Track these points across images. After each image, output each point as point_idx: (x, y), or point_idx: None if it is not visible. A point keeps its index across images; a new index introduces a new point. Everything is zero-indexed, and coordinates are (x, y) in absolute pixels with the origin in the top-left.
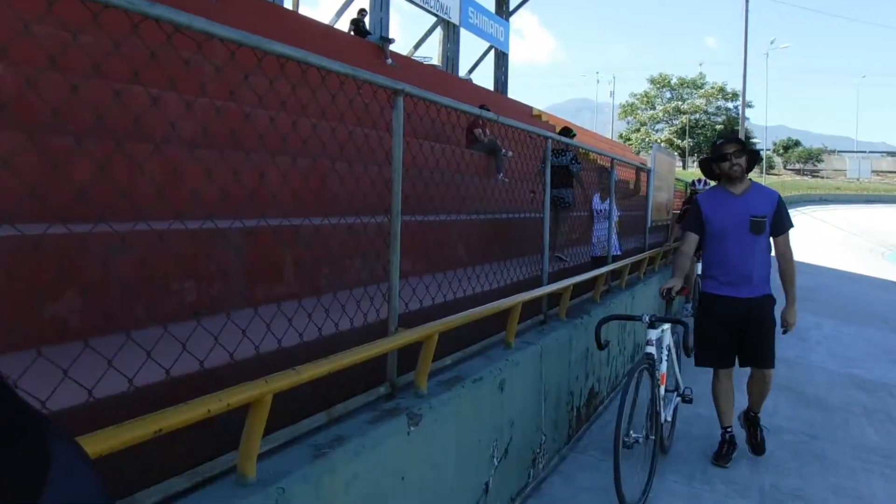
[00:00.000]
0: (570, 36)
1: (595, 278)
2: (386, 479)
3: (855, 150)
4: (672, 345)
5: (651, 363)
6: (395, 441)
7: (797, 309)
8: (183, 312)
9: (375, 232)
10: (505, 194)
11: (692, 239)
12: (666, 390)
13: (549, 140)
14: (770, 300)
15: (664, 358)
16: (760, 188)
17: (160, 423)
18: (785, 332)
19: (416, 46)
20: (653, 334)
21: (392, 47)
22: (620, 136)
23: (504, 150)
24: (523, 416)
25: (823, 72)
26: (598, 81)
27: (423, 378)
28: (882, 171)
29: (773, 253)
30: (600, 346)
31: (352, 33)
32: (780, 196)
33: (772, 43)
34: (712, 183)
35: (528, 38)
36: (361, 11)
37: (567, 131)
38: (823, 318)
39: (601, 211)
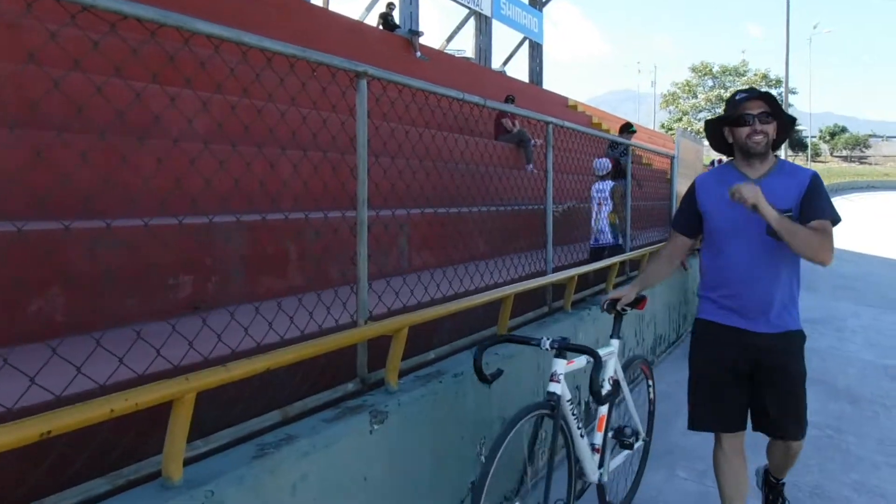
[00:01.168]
0: (612, 27)
1: (608, 268)
2: (344, 480)
3: None
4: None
5: (554, 407)
6: (353, 440)
7: (776, 217)
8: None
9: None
10: (534, 185)
11: (677, 241)
12: (615, 436)
13: (550, 125)
14: (798, 339)
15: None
16: (789, 168)
17: (51, 423)
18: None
19: (449, 39)
20: (559, 366)
21: (426, 41)
22: (662, 126)
23: (534, 140)
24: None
25: (870, 55)
26: (639, 72)
27: (392, 374)
28: None
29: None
30: (483, 379)
31: (380, 27)
32: (814, 175)
33: (815, 28)
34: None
35: (569, 30)
36: (390, 5)
37: (627, 126)
38: (863, 307)
39: (596, 198)
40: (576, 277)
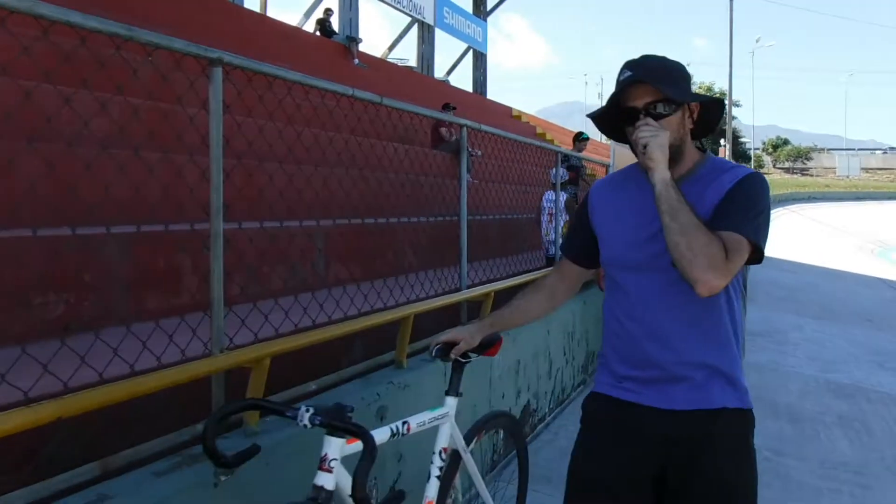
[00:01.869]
0: (561, 39)
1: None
2: None
3: (845, 147)
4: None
5: None
6: (191, 498)
7: (664, 179)
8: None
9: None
10: (472, 195)
11: (565, 269)
12: None
13: (464, 128)
14: (739, 424)
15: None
16: (721, 167)
17: None
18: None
19: (391, 48)
20: (332, 448)
21: (370, 49)
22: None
23: (472, 150)
24: (415, 449)
25: (812, 70)
26: (586, 83)
27: (253, 413)
28: (872, 169)
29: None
30: (222, 464)
31: (317, 34)
32: (750, 175)
33: (757, 41)
34: None
35: (518, 41)
36: (327, 11)
37: (580, 135)
38: (805, 319)
39: (546, 207)
40: (492, 294)
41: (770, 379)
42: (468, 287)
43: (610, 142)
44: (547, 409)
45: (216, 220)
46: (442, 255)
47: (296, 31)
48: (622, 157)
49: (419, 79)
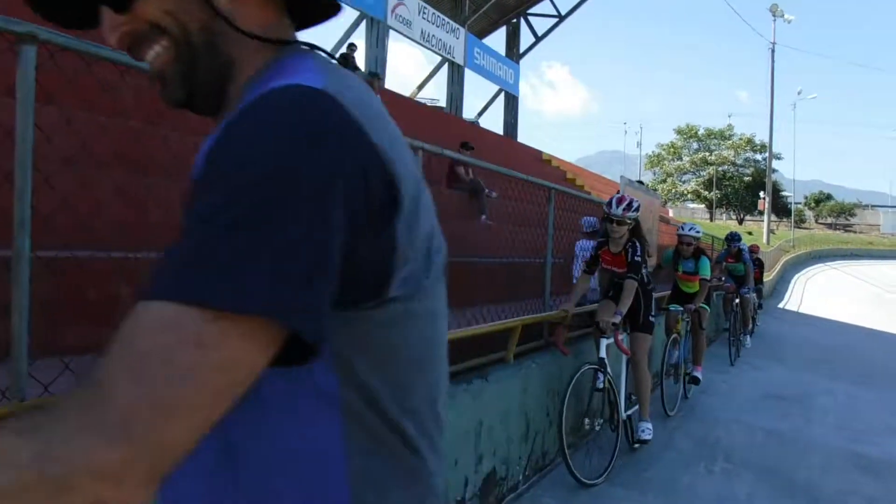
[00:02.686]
0: (602, 88)
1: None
2: None
3: (890, 205)
4: None
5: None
6: None
7: None
8: None
9: None
10: (488, 236)
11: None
12: None
13: (420, 151)
14: None
15: None
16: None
17: None
18: None
19: (420, 87)
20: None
21: (399, 89)
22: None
23: (489, 191)
24: None
25: (856, 124)
26: (625, 133)
27: None
28: None
29: None
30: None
31: None
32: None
33: (798, 93)
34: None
35: (559, 89)
36: (351, 46)
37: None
38: (838, 383)
39: (580, 255)
40: None
41: (791, 450)
42: None
43: (620, 179)
44: (521, 477)
45: (21, 237)
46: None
47: None
48: (631, 195)
49: (445, 118)
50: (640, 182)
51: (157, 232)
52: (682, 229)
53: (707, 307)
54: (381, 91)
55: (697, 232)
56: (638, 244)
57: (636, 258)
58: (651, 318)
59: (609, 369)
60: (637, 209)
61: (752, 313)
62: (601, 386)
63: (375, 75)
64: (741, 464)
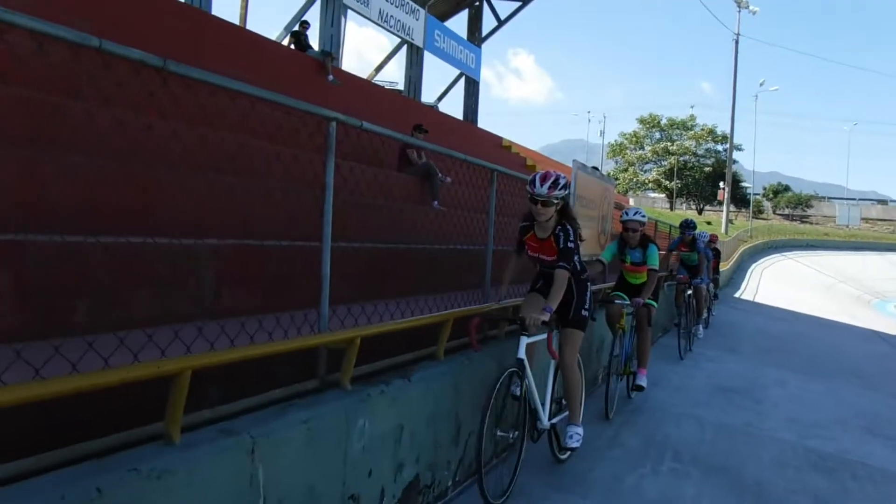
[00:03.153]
0: (568, 77)
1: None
2: None
3: (846, 197)
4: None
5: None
6: None
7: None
8: None
9: None
10: (438, 222)
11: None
12: None
13: (334, 122)
14: None
15: None
16: None
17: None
18: None
19: (378, 69)
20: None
21: (355, 70)
22: (608, 174)
23: (442, 176)
24: None
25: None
26: (589, 121)
27: None
28: (871, 219)
29: None
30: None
31: (292, 46)
32: None
33: (761, 84)
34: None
35: (525, 77)
36: (304, 24)
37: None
38: (789, 373)
39: None
40: (357, 341)
41: (741, 445)
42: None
43: (573, 163)
44: (450, 483)
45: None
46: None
47: (262, 40)
48: (586, 185)
49: (403, 102)
50: (595, 168)
51: None
52: (626, 214)
53: (654, 303)
54: (335, 70)
55: (643, 216)
56: (570, 228)
57: (568, 244)
58: (584, 313)
59: (529, 371)
60: (565, 187)
61: (706, 304)
62: (517, 393)
63: (328, 54)
64: (690, 462)
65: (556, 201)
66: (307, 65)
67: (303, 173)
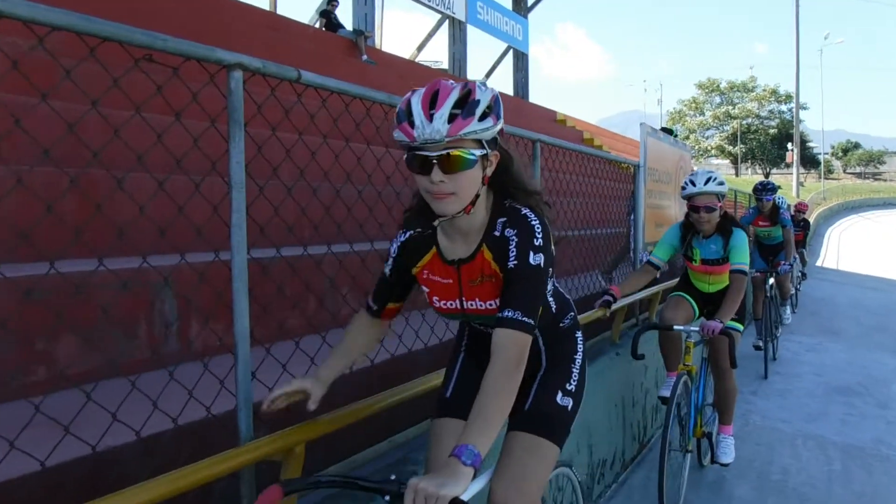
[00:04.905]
0: (619, 48)
1: None
2: None
3: None
4: None
5: None
6: None
7: None
8: None
9: None
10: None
11: None
12: None
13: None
14: None
15: None
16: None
17: None
18: None
19: (420, 48)
20: None
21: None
22: None
23: None
24: None
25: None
26: (645, 91)
27: None
28: None
29: None
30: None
31: (322, 28)
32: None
33: (825, 38)
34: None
35: (577, 52)
36: (332, 2)
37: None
38: None
39: None
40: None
41: (882, 476)
42: None
43: (640, 128)
44: None
45: None
46: None
47: (285, 22)
48: (658, 154)
49: (445, 79)
50: (667, 130)
51: None
52: (692, 185)
53: (740, 327)
54: (370, 50)
55: (720, 184)
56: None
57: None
58: (562, 401)
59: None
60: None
61: (792, 287)
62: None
63: (361, 33)
64: None
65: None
66: (338, 45)
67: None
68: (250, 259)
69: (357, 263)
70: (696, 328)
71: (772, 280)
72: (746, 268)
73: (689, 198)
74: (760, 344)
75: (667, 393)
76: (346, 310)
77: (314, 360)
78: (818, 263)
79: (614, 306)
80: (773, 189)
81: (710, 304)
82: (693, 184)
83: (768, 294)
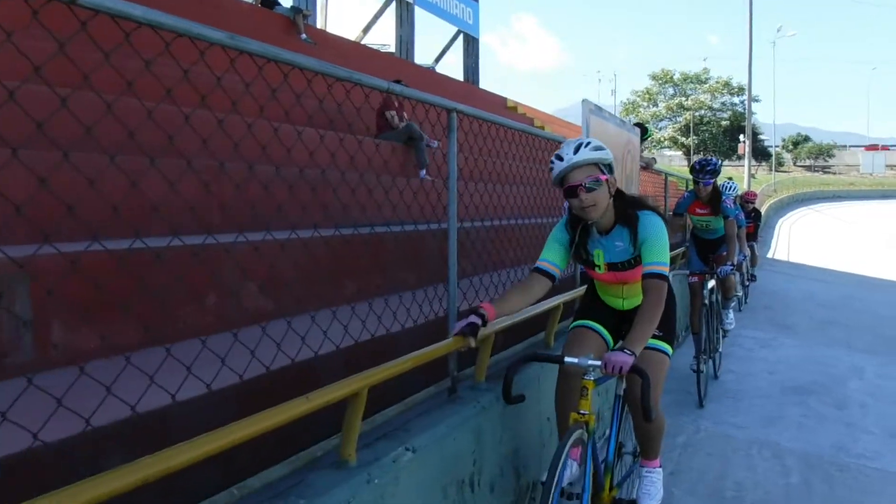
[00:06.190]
0: (574, 39)
1: None
2: None
3: (866, 144)
4: None
5: None
6: None
7: None
8: None
9: None
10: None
11: None
12: None
13: None
14: None
15: None
16: None
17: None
18: None
19: (366, 30)
20: None
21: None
22: None
23: (427, 139)
24: None
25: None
26: (599, 81)
27: None
28: None
29: None
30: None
31: (259, 4)
32: None
33: (778, 30)
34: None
35: (530, 42)
36: None
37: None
38: (861, 354)
39: None
40: None
41: (842, 490)
42: None
43: (582, 104)
44: None
45: None
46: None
47: None
48: (603, 132)
49: (394, 63)
50: (641, 127)
51: None
52: (559, 160)
53: (668, 349)
54: (310, 29)
55: (597, 149)
56: None
57: None
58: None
59: None
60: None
61: (735, 291)
62: None
63: (299, 11)
64: None
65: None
66: (275, 23)
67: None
68: None
69: None
70: (598, 362)
71: (711, 283)
72: (666, 269)
73: (560, 180)
74: (693, 365)
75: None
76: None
77: None
78: (769, 255)
79: (484, 332)
80: (715, 170)
81: (629, 325)
82: (560, 158)
83: (706, 301)
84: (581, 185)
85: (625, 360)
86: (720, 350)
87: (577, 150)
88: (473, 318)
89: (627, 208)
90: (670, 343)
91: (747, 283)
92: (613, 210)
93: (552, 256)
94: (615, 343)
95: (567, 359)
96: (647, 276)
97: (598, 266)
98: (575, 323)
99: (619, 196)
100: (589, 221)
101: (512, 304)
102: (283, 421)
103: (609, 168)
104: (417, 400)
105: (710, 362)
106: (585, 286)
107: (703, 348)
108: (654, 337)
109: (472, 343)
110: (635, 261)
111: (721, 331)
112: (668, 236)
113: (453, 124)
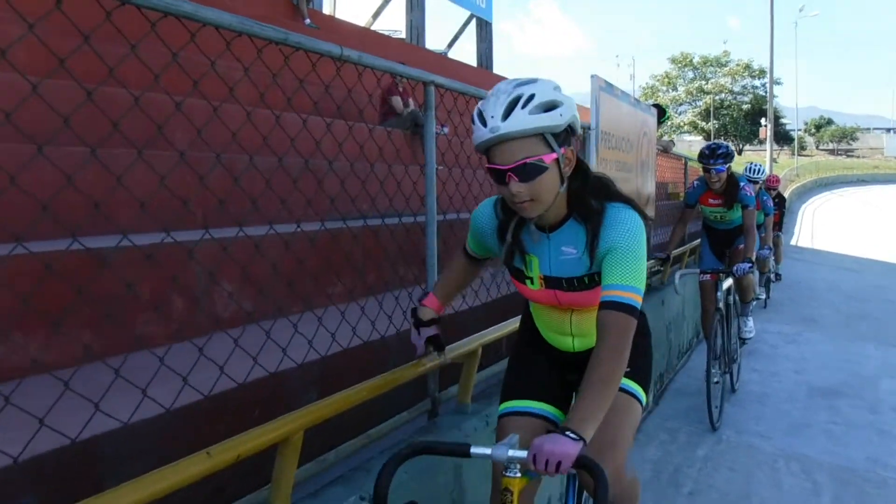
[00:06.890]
0: (593, 23)
1: None
2: None
3: (891, 127)
4: None
5: None
6: None
7: None
8: None
9: None
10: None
11: None
12: None
13: None
14: None
15: None
16: None
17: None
18: None
19: (376, 15)
20: None
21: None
22: None
23: (438, 127)
24: None
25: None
26: (618, 66)
27: None
28: None
29: None
30: None
31: None
32: None
33: (801, 10)
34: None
35: (549, 27)
36: None
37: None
38: (892, 349)
39: None
40: None
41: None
42: None
43: (591, 80)
44: None
45: None
46: None
47: None
48: (616, 113)
49: (405, 49)
50: (660, 109)
51: None
52: (482, 124)
53: (641, 393)
54: (314, 14)
55: (546, 109)
56: None
57: None
58: None
59: None
60: None
61: (754, 293)
62: None
63: None
64: None
65: None
66: (277, 7)
67: None
68: None
69: None
70: (523, 453)
71: (727, 283)
72: (638, 297)
73: (485, 150)
74: (715, 378)
75: None
76: None
77: None
78: (792, 242)
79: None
80: (728, 154)
81: (579, 374)
82: (483, 121)
83: (720, 304)
84: (514, 166)
85: (564, 451)
86: (738, 361)
87: (508, 113)
88: (432, 331)
89: (588, 196)
90: (643, 385)
91: (773, 281)
92: (566, 196)
93: (476, 248)
94: (566, 414)
95: (474, 449)
96: (607, 307)
97: (530, 279)
98: (502, 407)
99: (577, 175)
100: (526, 218)
101: (454, 291)
102: (178, 484)
103: (564, 137)
104: (385, 430)
105: (727, 376)
106: (520, 316)
107: (717, 355)
108: (629, 377)
109: (442, 358)
110: (590, 280)
111: (739, 340)
112: (646, 245)
113: (430, 100)
